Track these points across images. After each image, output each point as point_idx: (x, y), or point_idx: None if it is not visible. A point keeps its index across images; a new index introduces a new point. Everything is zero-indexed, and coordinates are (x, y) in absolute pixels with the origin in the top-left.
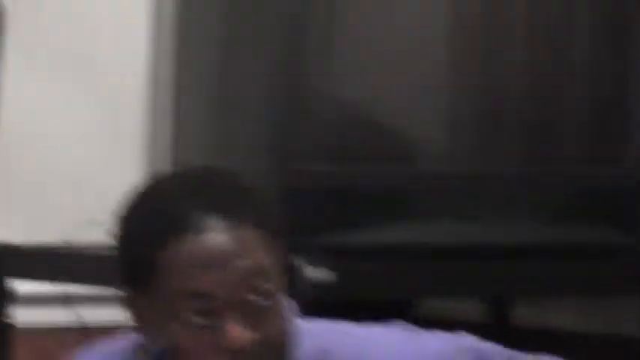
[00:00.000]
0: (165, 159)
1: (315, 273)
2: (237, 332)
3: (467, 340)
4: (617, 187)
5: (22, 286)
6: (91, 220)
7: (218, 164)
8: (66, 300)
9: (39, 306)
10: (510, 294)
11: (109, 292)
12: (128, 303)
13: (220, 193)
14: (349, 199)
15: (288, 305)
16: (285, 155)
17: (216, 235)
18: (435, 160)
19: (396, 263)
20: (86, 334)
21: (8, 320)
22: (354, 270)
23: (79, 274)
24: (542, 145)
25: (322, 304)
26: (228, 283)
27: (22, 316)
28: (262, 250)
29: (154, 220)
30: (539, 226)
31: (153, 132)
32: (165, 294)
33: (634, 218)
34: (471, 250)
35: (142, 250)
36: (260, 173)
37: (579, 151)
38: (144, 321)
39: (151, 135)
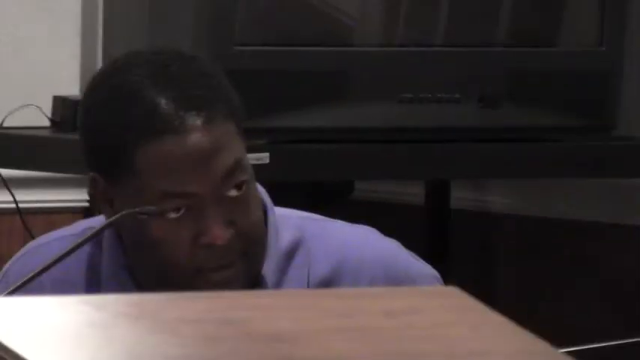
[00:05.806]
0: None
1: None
2: (220, 230)
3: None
4: (548, 69)
5: None
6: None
7: (173, 47)
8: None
9: None
10: (449, 177)
11: (44, 175)
12: (96, 188)
13: (191, 83)
14: (285, 80)
15: (259, 190)
16: (218, 39)
17: (195, 135)
18: (371, 39)
19: (333, 145)
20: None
21: None
22: (289, 151)
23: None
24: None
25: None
26: (211, 181)
27: None
28: (236, 142)
29: (126, 111)
30: (476, 109)
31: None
32: (144, 191)
33: (567, 101)
34: (409, 132)
35: (114, 143)
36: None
37: (512, 32)
38: (111, 207)
39: (86, 14)
